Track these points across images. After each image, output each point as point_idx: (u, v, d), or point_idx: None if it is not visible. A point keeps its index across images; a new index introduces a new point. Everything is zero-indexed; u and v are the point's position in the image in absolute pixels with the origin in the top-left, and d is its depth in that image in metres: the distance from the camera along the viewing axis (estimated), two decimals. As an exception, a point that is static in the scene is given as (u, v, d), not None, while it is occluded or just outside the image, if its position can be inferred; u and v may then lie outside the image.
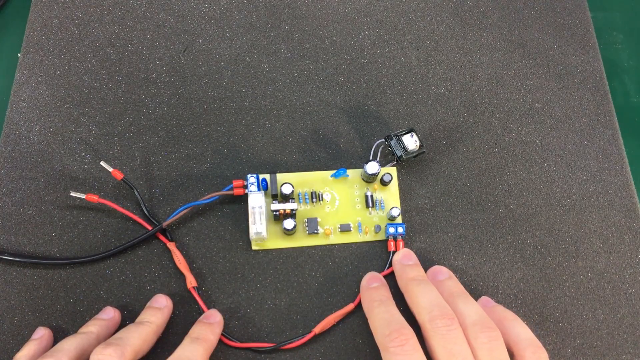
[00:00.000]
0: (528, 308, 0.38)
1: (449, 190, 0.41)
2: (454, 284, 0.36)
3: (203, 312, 0.36)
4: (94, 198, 0.38)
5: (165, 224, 0.38)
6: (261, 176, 0.39)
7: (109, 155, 0.41)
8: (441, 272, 0.37)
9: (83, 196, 0.38)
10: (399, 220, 0.39)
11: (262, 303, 0.37)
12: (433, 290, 0.34)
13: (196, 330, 0.34)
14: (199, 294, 0.37)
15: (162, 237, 0.38)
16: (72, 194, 0.38)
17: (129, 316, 0.37)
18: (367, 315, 0.35)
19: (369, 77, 0.44)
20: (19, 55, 0.44)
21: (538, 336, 0.34)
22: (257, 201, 0.38)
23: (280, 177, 0.40)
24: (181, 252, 0.38)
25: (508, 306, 0.38)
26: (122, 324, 0.36)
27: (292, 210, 0.38)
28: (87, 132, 0.42)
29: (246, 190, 0.38)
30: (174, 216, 0.38)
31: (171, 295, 0.37)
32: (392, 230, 0.38)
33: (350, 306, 0.37)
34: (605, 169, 0.42)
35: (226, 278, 0.38)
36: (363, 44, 0.46)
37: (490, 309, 0.35)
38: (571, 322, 0.38)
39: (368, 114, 0.43)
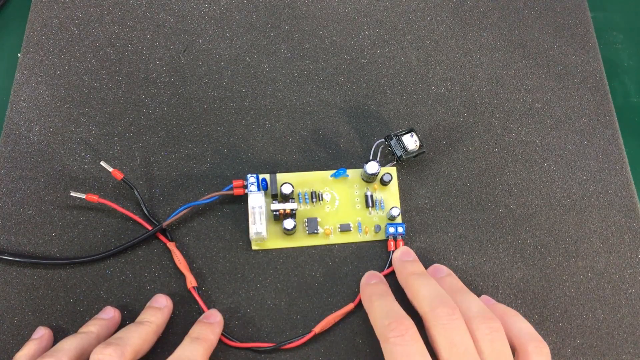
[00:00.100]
0: (528, 308, 0.38)
1: (449, 190, 0.41)
2: (454, 280, 0.36)
3: (203, 312, 0.36)
4: (94, 198, 0.38)
5: (165, 224, 0.38)
6: (261, 176, 0.39)
7: (109, 155, 0.41)
8: (441, 270, 0.37)
9: (83, 196, 0.38)
10: (398, 220, 0.39)
11: (262, 303, 0.37)
12: (434, 283, 0.34)
13: (196, 330, 0.34)
14: (199, 294, 0.37)
15: (162, 237, 0.38)
16: (72, 194, 0.38)
17: (129, 316, 0.37)
18: (367, 309, 0.35)
19: (369, 77, 0.44)
20: (19, 55, 0.44)
21: (538, 336, 0.34)
22: (257, 201, 0.38)
23: (280, 177, 0.40)
24: (181, 252, 0.38)
25: (508, 306, 0.38)
26: (122, 324, 0.36)
27: (292, 210, 0.38)
28: (87, 132, 0.42)
29: (246, 190, 0.38)
30: (174, 216, 0.38)
31: (171, 295, 0.37)
32: (392, 230, 0.38)
33: (350, 306, 0.37)
34: (605, 169, 0.42)
35: (226, 278, 0.38)
36: (363, 44, 0.46)
37: (491, 307, 0.35)
38: (571, 322, 0.38)
39: (368, 114, 0.43)
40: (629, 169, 0.42)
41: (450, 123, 0.43)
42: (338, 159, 0.41)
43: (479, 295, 0.37)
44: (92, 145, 0.41)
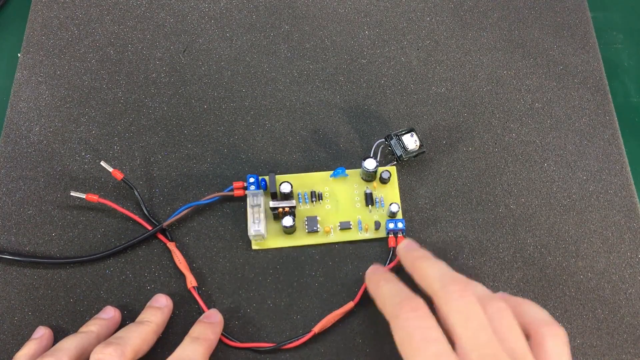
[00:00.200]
0: (528, 308, 0.38)
1: (449, 190, 0.41)
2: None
3: (203, 312, 0.36)
4: (94, 198, 0.38)
5: (165, 224, 0.38)
6: (261, 177, 0.39)
7: (109, 155, 0.41)
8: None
9: (83, 196, 0.38)
10: (398, 216, 0.39)
11: (262, 303, 0.37)
12: (442, 263, 0.33)
13: (196, 329, 0.34)
14: (199, 293, 0.37)
15: (162, 237, 0.38)
16: (72, 193, 0.38)
17: (129, 316, 0.37)
18: (374, 294, 0.33)
19: (369, 77, 0.44)
20: (19, 55, 0.44)
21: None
22: (256, 200, 0.38)
23: (280, 178, 0.40)
24: (181, 252, 0.38)
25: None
26: (123, 324, 0.36)
27: (290, 207, 0.38)
28: (87, 132, 0.42)
29: (246, 191, 0.38)
30: (174, 216, 0.38)
31: (171, 295, 0.37)
32: (392, 226, 0.38)
33: (350, 305, 0.37)
34: (605, 169, 0.42)
35: (226, 278, 0.38)
36: (363, 44, 0.46)
37: (507, 298, 0.33)
38: (571, 322, 0.38)
39: (368, 114, 0.43)
40: (629, 169, 0.42)
41: (450, 123, 0.43)
42: (338, 159, 0.41)
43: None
44: (92, 145, 0.41)
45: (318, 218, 0.39)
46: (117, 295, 0.37)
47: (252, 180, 0.38)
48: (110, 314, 0.36)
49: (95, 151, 0.41)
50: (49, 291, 0.37)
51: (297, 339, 0.36)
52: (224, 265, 0.38)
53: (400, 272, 0.39)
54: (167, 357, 0.32)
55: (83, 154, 0.41)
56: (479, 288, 0.32)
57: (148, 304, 0.36)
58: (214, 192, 0.40)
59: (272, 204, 0.38)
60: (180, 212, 0.38)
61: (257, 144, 0.42)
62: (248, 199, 0.38)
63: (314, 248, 0.39)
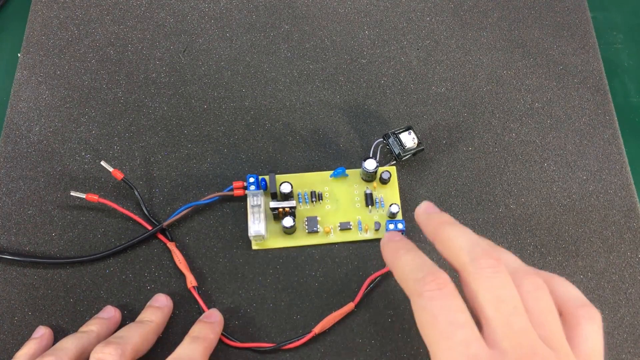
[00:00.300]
0: (528, 308, 0.38)
1: (449, 189, 0.41)
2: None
3: (203, 311, 0.36)
4: (94, 198, 0.38)
5: (165, 224, 0.38)
6: (261, 177, 0.39)
7: (109, 155, 0.41)
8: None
9: (83, 196, 0.38)
10: (398, 217, 0.39)
11: (262, 303, 0.37)
12: (470, 231, 0.29)
13: (196, 329, 0.34)
14: (199, 293, 0.37)
15: (162, 237, 0.38)
16: (72, 193, 0.38)
17: (129, 316, 0.37)
18: (393, 265, 0.29)
19: (369, 77, 0.44)
20: (19, 55, 0.44)
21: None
22: (256, 200, 0.38)
23: (280, 178, 0.40)
24: (181, 252, 0.38)
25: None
26: (123, 324, 0.36)
27: (290, 208, 0.38)
28: (87, 132, 0.42)
29: (246, 191, 0.38)
30: (174, 216, 0.38)
31: (171, 295, 0.37)
32: (391, 226, 0.38)
33: (350, 306, 0.37)
34: (605, 169, 0.42)
35: (226, 278, 0.38)
36: (363, 44, 0.46)
37: (537, 272, 0.30)
38: (571, 322, 0.38)
39: (368, 114, 0.43)
40: (629, 169, 0.42)
41: (450, 123, 0.43)
42: (338, 159, 0.41)
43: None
44: (92, 145, 0.41)
45: (318, 218, 0.39)
46: (117, 295, 0.37)
47: (252, 180, 0.38)
48: (110, 313, 0.36)
49: (95, 151, 0.41)
50: (49, 291, 0.37)
51: (297, 339, 0.36)
52: (224, 265, 0.38)
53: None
54: (167, 356, 0.32)
55: (83, 154, 0.41)
56: (511, 260, 0.29)
57: (148, 303, 0.36)
58: (214, 192, 0.40)
59: (272, 204, 0.38)
60: (180, 212, 0.38)
61: (257, 144, 0.42)
62: (248, 199, 0.38)
63: (314, 248, 0.39)
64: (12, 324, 0.36)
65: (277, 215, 0.38)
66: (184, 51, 0.45)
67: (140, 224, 0.39)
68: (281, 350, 0.36)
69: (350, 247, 0.39)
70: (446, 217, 0.30)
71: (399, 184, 0.41)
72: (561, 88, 0.45)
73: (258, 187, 0.38)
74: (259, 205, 0.38)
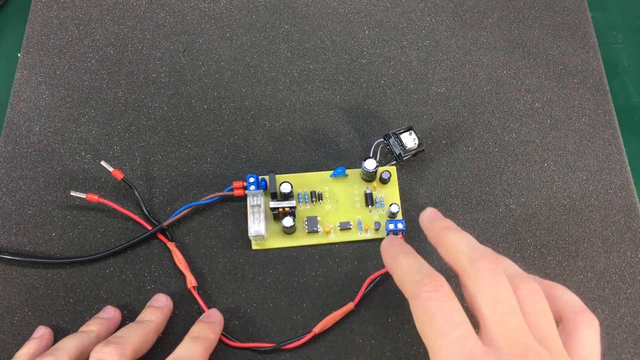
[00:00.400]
0: (528, 308, 0.38)
1: (449, 189, 0.41)
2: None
3: (203, 311, 0.36)
4: (94, 198, 0.38)
5: (165, 224, 0.38)
6: (261, 177, 0.39)
7: (109, 155, 0.41)
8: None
9: (83, 196, 0.38)
10: (399, 217, 0.39)
11: (262, 303, 0.37)
12: (471, 237, 0.30)
13: (196, 329, 0.34)
14: (199, 293, 0.37)
15: (162, 237, 0.38)
16: (72, 193, 0.38)
17: (129, 316, 0.37)
18: (392, 268, 0.31)
19: (369, 77, 0.44)
20: (19, 55, 0.44)
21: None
22: (256, 200, 0.38)
23: (280, 178, 0.40)
24: (181, 252, 0.38)
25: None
26: (123, 324, 0.36)
27: (290, 208, 0.38)
28: (87, 132, 0.42)
29: (246, 191, 0.38)
30: (174, 216, 0.38)
31: (171, 295, 0.37)
32: (391, 226, 0.38)
33: (350, 305, 0.37)
34: (605, 169, 0.42)
35: (226, 278, 0.38)
36: (363, 44, 0.46)
37: (537, 281, 0.31)
38: (571, 322, 0.38)
39: (368, 114, 0.43)
40: (629, 169, 0.42)
41: (450, 123, 0.43)
42: (338, 159, 0.41)
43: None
44: (92, 145, 0.41)
45: (318, 218, 0.39)
46: (117, 295, 0.37)
47: (252, 180, 0.38)
48: (110, 313, 0.36)
49: (95, 151, 0.41)
50: (49, 291, 0.37)
51: (297, 339, 0.36)
52: (224, 265, 0.38)
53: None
54: (167, 356, 0.32)
55: (83, 154, 0.41)
56: (510, 266, 0.30)
57: (148, 303, 0.36)
58: (214, 192, 0.40)
59: (272, 204, 0.38)
60: (180, 212, 0.38)
61: (257, 144, 0.42)
62: (248, 199, 0.38)
63: (314, 248, 0.39)
64: (12, 324, 0.36)
65: (277, 215, 0.38)
66: (184, 51, 0.45)
67: (140, 224, 0.39)
68: (281, 350, 0.36)
69: (350, 247, 0.39)
70: (449, 223, 0.32)
71: (399, 183, 0.41)
72: (561, 88, 0.45)
73: (258, 187, 0.38)
74: (259, 205, 0.38)
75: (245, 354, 0.36)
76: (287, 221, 0.37)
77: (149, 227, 0.38)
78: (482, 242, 0.39)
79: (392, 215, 0.39)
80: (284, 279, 0.38)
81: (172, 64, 0.44)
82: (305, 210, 0.39)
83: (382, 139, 0.40)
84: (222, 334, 0.36)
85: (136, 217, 0.39)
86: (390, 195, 0.40)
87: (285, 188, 0.38)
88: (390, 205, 0.38)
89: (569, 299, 0.30)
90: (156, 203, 0.40)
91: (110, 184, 0.40)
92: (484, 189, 0.41)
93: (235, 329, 0.37)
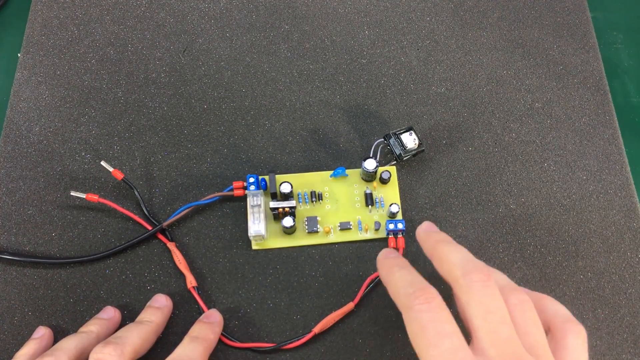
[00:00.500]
0: (528, 308, 0.38)
1: (448, 189, 0.41)
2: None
3: (203, 311, 0.36)
4: (94, 198, 0.38)
5: (165, 224, 0.38)
6: (261, 177, 0.39)
7: (109, 155, 0.41)
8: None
9: (83, 196, 0.38)
10: (398, 217, 0.39)
11: (262, 303, 0.37)
12: (464, 249, 0.31)
13: (196, 329, 0.34)
14: (199, 293, 0.37)
15: (162, 237, 0.38)
16: (72, 193, 0.38)
17: (129, 316, 0.37)
18: (387, 281, 0.32)
19: (369, 77, 0.44)
20: (19, 55, 0.44)
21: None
22: (256, 200, 0.38)
23: (280, 178, 0.40)
24: (181, 252, 0.38)
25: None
26: (123, 324, 0.36)
27: (290, 208, 0.38)
28: (87, 132, 0.42)
29: (246, 191, 0.38)
30: (174, 216, 0.38)
31: (171, 295, 0.37)
32: (391, 226, 0.38)
33: (350, 305, 0.37)
34: (605, 169, 0.42)
35: (226, 278, 0.38)
36: (363, 44, 0.46)
37: (527, 293, 0.32)
38: (571, 322, 0.38)
39: (368, 114, 0.43)
40: (629, 169, 0.42)
41: (450, 123, 0.43)
42: (338, 159, 0.41)
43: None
44: (92, 145, 0.41)
45: (318, 218, 0.39)
46: (117, 295, 0.37)
47: (252, 180, 0.38)
48: (110, 314, 0.36)
49: (95, 151, 0.41)
50: (49, 291, 0.37)
51: (297, 339, 0.36)
52: (224, 265, 0.38)
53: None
54: (166, 356, 0.32)
55: (83, 154, 0.41)
56: (501, 278, 0.31)
57: (148, 304, 0.36)
58: (214, 192, 0.40)
59: (272, 204, 0.38)
60: (180, 212, 0.38)
61: (257, 144, 0.42)
62: (248, 199, 0.38)
63: (314, 248, 0.39)
64: (12, 324, 0.36)
65: (277, 215, 0.38)
66: (184, 51, 0.45)
67: (140, 224, 0.39)
68: (281, 350, 0.36)
69: (350, 247, 0.39)
70: (443, 236, 0.33)
71: (399, 183, 0.41)
72: (561, 88, 0.45)
73: (258, 187, 0.38)
74: (259, 205, 0.38)
75: (245, 354, 0.36)
76: (287, 221, 0.37)
77: (149, 227, 0.38)
78: (482, 242, 0.40)
79: (392, 215, 0.39)
80: (284, 279, 0.38)
81: (172, 64, 0.44)
82: (305, 210, 0.39)
83: (382, 139, 0.40)
84: (222, 334, 0.36)
85: (136, 217, 0.39)
86: (390, 195, 0.40)
87: (285, 188, 0.38)
88: (390, 205, 0.38)
89: (557, 309, 0.31)
90: (156, 203, 0.40)
91: (110, 184, 0.40)
92: (484, 189, 0.41)
93: (235, 329, 0.37)
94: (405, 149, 0.40)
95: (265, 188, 0.39)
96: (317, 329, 0.36)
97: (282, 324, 0.37)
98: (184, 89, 0.43)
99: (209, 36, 0.45)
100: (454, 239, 0.39)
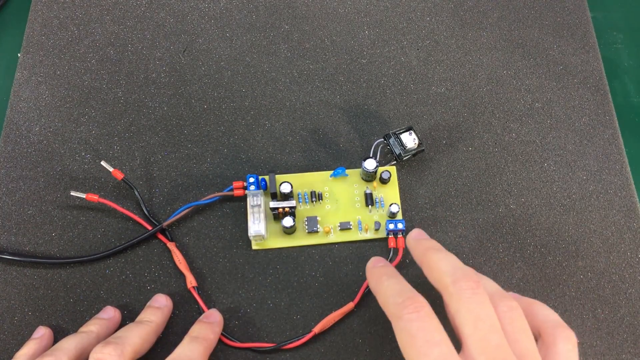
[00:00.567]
0: (528, 308, 0.38)
1: (449, 189, 0.41)
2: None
3: (203, 311, 0.36)
4: (94, 198, 0.38)
5: (165, 224, 0.38)
6: (261, 177, 0.39)
7: (109, 155, 0.41)
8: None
9: (83, 196, 0.38)
10: (398, 216, 0.39)
11: (262, 303, 0.37)
12: (454, 257, 0.31)
13: (196, 329, 0.34)
14: (199, 293, 0.37)
15: (162, 237, 0.38)
16: (72, 193, 0.38)
17: (129, 316, 0.37)
18: (376, 290, 0.32)
19: (369, 77, 0.44)
20: (19, 55, 0.44)
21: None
22: (256, 200, 0.38)
23: (280, 178, 0.40)
24: (181, 252, 0.38)
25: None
26: (123, 324, 0.36)
27: (290, 208, 0.38)
28: (87, 132, 0.42)
29: (246, 191, 0.38)
30: (174, 216, 0.38)
31: (171, 295, 0.37)
32: (391, 226, 0.38)
33: (350, 305, 0.37)
34: (605, 169, 0.42)
35: (226, 278, 0.38)
36: (363, 44, 0.46)
37: (517, 298, 0.33)
38: (571, 322, 0.38)
39: (368, 114, 0.43)
40: (629, 169, 0.42)
41: (450, 123, 0.43)
42: (338, 159, 0.41)
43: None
44: (92, 145, 0.41)
45: (318, 218, 0.39)
46: (117, 295, 0.37)
47: (252, 180, 0.38)
48: (110, 314, 0.36)
49: (95, 151, 0.41)
50: (49, 291, 0.37)
51: (297, 339, 0.36)
52: (224, 265, 0.38)
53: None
54: (166, 356, 0.32)
55: (83, 154, 0.41)
56: (490, 285, 0.31)
57: (148, 304, 0.36)
58: (214, 192, 0.40)
59: (272, 204, 0.38)
60: (180, 212, 0.38)
61: (257, 144, 0.42)
62: (248, 199, 0.38)
63: (314, 248, 0.39)
64: (12, 324, 0.36)
65: (277, 215, 0.38)
66: (184, 51, 0.45)
67: (140, 224, 0.39)
68: (281, 350, 0.36)
69: (350, 247, 0.39)
70: (433, 243, 0.33)
71: (399, 183, 0.41)
72: (561, 88, 0.45)
73: (258, 187, 0.38)
74: (259, 205, 0.38)
75: (245, 354, 0.36)
76: (287, 221, 0.37)
77: (149, 227, 0.38)
78: (482, 242, 0.40)
79: (392, 215, 0.39)
80: (284, 279, 0.38)
81: (172, 64, 0.44)
82: (305, 210, 0.39)
83: (382, 139, 0.40)
84: (222, 334, 0.36)
85: (136, 217, 0.39)
86: (390, 195, 0.40)
87: (285, 188, 0.38)
88: (390, 205, 0.38)
89: (547, 315, 0.31)
90: (156, 203, 0.40)
91: (110, 184, 0.40)
92: (484, 189, 0.41)
93: (235, 329, 0.37)
94: (405, 148, 0.40)
95: (265, 188, 0.39)
96: (317, 329, 0.36)
97: (282, 324, 0.37)
98: (184, 89, 0.43)
99: (209, 36, 0.45)
100: (454, 239, 0.39)
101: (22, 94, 0.43)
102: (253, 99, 0.43)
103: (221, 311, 0.36)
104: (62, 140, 0.41)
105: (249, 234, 0.37)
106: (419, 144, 0.40)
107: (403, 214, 0.40)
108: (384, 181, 0.40)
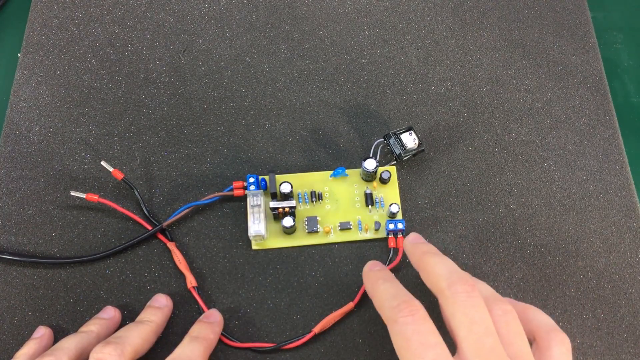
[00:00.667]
0: (528, 308, 0.38)
1: (448, 189, 0.41)
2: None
3: (203, 311, 0.36)
4: (94, 198, 0.38)
5: (165, 224, 0.38)
6: (261, 177, 0.39)
7: (109, 155, 0.41)
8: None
9: (83, 196, 0.38)
10: (398, 216, 0.39)
11: (262, 303, 0.37)
12: (450, 261, 0.32)
13: (196, 329, 0.34)
14: (199, 293, 0.37)
15: (162, 237, 0.38)
16: (72, 193, 0.38)
17: (129, 316, 0.37)
18: (372, 294, 0.32)
19: (369, 77, 0.44)
20: (19, 55, 0.44)
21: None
22: (256, 200, 0.38)
23: (280, 178, 0.40)
24: (181, 252, 0.38)
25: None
26: (123, 324, 0.36)
27: (290, 208, 0.38)
28: (87, 132, 0.42)
29: (246, 191, 0.38)
30: (174, 216, 0.38)
31: (171, 295, 0.37)
32: (391, 226, 0.38)
33: (350, 305, 0.37)
34: (605, 169, 0.42)
35: (226, 278, 0.38)
36: (363, 44, 0.46)
37: (513, 304, 0.33)
38: (571, 322, 0.38)
39: (368, 114, 0.43)
40: (629, 169, 0.42)
41: (450, 123, 0.43)
42: (338, 159, 0.41)
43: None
44: (92, 145, 0.41)
45: (318, 218, 0.39)
46: (117, 295, 0.37)
47: (252, 180, 0.38)
48: (110, 313, 0.36)
49: (95, 151, 0.41)
50: (49, 291, 0.37)
51: (297, 339, 0.36)
52: (224, 265, 0.38)
53: (397, 272, 0.39)
54: (166, 356, 0.32)
55: (83, 154, 0.41)
56: (485, 289, 0.32)
57: (148, 303, 0.36)
58: (214, 192, 0.40)
59: (272, 204, 0.38)
60: (180, 212, 0.38)
61: (257, 144, 0.42)
62: (248, 199, 0.38)
63: (314, 248, 0.39)
64: (12, 324, 0.36)
65: (277, 215, 0.38)
66: (184, 51, 0.45)
67: (140, 224, 0.39)
68: (281, 350, 0.36)
69: (350, 247, 0.39)
70: (430, 247, 0.33)
71: (399, 183, 0.41)
72: (561, 88, 0.45)
73: (258, 187, 0.38)
74: (259, 205, 0.38)
75: (245, 354, 0.36)
76: (287, 221, 0.37)
77: (149, 227, 0.38)
78: (482, 242, 0.40)
79: (392, 215, 0.39)
80: (284, 279, 0.38)
81: (172, 64, 0.44)
82: (305, 210, 0.39)
83: (382, 139, 0.40)
84: (222, 334, 0.36)
85: (136, 217, 0.39)
86: (390, 195, 0.40)
87: (285, 188, 0.38)
88: (390, 205, 0.38)
89: (541, 319, 0.31)
90: (156, 203, 0.40)
91: (110, 184, 0.40)
92: (484, 189, 0.41)
93: (235, 329, 0.37)
94: (405, 148, 0.40)
95: (265, 188, 0.39)
96: (317, 329, 0.36)
97: (282, 324, 0.37)
98: (184, 89, 0.43)
99: (209, 36, 0.45)
100: (454, 239, 0.39)
101: (22, 94, 0.43)
102: (253, 99, 0.43)
103: (221, 311, 0.36)
104: (62, 140, 0.41)
105: (249, 234, 0.37)
106: (419, 144, 0.40)
107: (403, 214, 0.40)
108: (384, 181, 0.40)
